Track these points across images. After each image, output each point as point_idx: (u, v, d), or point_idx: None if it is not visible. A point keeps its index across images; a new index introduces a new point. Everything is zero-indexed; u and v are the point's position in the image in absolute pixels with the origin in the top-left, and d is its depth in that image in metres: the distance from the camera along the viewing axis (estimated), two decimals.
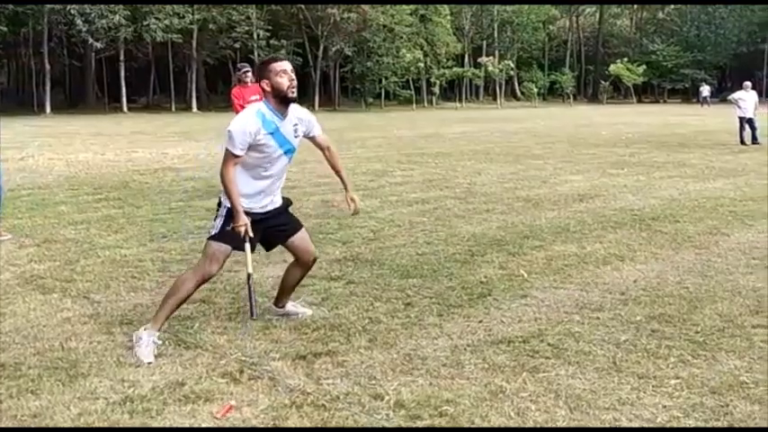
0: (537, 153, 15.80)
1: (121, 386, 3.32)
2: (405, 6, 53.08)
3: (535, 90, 64.75)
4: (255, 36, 48.69)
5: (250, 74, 9.58)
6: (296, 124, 3.87)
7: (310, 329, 4.08)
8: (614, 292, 4.80)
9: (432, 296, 4.74)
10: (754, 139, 17.04)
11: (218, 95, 53.70)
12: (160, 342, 3.76)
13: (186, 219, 7.73)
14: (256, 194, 3.86)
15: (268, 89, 3.73)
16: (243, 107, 9.41)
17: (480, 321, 4.22)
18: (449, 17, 59.46)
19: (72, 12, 40.36)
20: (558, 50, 75.02)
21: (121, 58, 46.18)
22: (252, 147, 3.71)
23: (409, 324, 4.17)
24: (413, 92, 57.83)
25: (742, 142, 17.12)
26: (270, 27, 49.98)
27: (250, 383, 3.34)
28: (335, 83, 56.65)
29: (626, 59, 65.93)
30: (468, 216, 7.81)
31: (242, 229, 3.70)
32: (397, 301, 4.61)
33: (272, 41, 49.79)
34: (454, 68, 59.83)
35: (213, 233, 3.85)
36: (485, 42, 64.89)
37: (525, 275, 5.25)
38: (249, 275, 3.78)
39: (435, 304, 4.56)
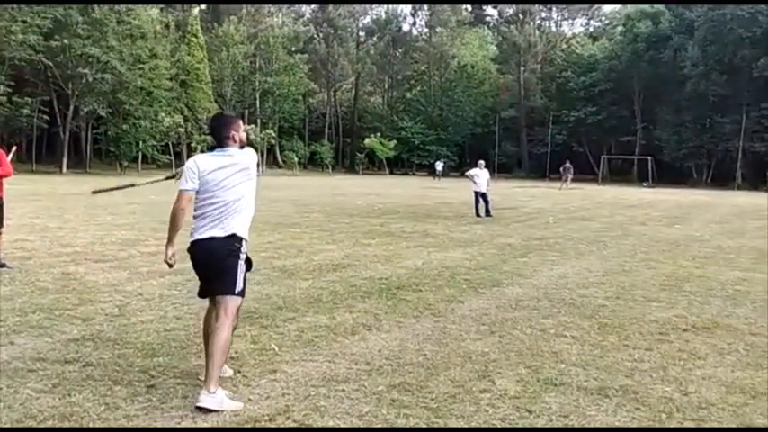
0: (295, 221, 16.11)
1: None
2: (164, 71, 51.99)
3: (296, 159, 66.51)
4: None
5: None
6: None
7: (36, 421, 3.70)
8: (360, 362, 4.98)
9: (178, 376, 4.55)
10: (488, 212, 19.00)
11: None
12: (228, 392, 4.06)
13: None
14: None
15: (236, 139, 4.47)
16: None
17: None
18: (210, 84, 59.36)
19: None
20: (318, 122, 78.02)
21: None
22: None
23: (151, 408, 3.96)
24: (173, 156, 56.19)
25: (477, 214, 18.96)
26: (13, 83, 45.79)
27: None
28: (87, 144, 53.26)
29: (379, 134, 70.49)
30: None
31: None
32: (140, 384, 4.36)
33: (14, 98, 45.54)
34: None
35: (241, 289, 4.29)
36: (247, 111, 65.53)
37: (276, 349, 5.27)
38: None
39: (181, 385, 4.38)
